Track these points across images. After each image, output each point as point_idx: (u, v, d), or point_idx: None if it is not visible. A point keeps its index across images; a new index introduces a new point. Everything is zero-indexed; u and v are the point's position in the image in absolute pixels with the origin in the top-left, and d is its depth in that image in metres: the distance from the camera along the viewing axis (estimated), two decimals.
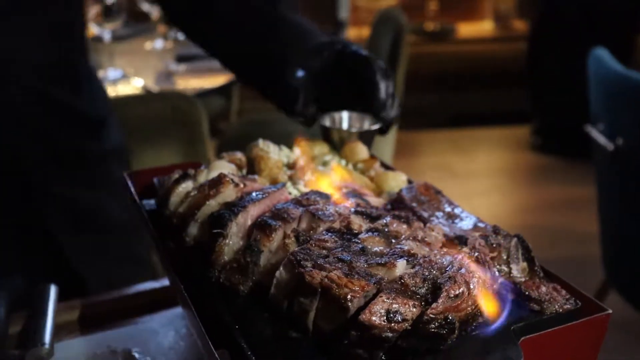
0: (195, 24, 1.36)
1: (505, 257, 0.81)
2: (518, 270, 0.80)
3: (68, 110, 1.41)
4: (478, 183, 5.13)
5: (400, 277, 0.67)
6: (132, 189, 1.06)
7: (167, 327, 1.16)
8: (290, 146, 1.14)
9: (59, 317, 1.16)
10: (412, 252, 0.73)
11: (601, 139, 2.48)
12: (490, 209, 4.44)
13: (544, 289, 0.77)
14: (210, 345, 0.70)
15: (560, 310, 0.76)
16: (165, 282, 1.27)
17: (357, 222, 0.80)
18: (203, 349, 0.75)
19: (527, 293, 0.77)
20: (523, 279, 0.80)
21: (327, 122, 1.20)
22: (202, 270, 0.83)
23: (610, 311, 0.77)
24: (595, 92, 2.58)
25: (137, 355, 1.08)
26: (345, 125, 1.22)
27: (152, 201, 1.08)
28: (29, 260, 1.36)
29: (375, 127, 1.19)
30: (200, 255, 0.85)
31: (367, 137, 1.18)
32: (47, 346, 1.04)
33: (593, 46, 2.60)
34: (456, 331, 0.66)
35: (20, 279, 1.32)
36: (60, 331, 1.14)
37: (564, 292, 0.78)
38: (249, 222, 0.83)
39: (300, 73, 1.16)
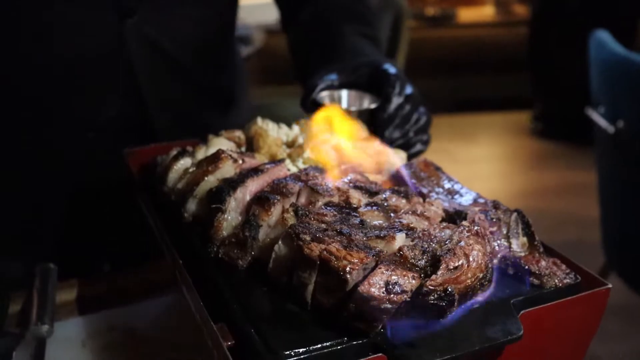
0: (291, 21, 1.57)
1: (505, 232, 0.80)
2: (518, 245, 0.80)
3: (203, 85, 1.45)
4: (478, 168, 5.12)
5: (399, 249, 0.67)
6: (130, 167, 1.06)
7: (167, 305, 1.16)
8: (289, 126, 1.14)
9: (59, 297, 1.16)
10: (411, 225, 0.73)
11: (602, 121, 2.47)
12: (490, 194, 4.39)
13: (543, 263, 0.77)
14: (209, 320, 0.70)
15: (560, 285, 0.76)
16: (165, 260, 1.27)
17: (357, 197, 0.79)
18: (201, 324, 0.75)
19: (526, 267, 0.76)
20: (523, 254, 0.80)
21: (326, 100, 1.19)
22: (200, 245, 0.83)
23: (610, 285, 0.76)
24: (596, 75, 2.57)
25: (137, 334, 1.08)
26: (344, 104, 1.21)
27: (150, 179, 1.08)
28: (29, 240, 1.36)
29: (373, 105, 1.18)
30: (198, 231, 0.85)
31: (365, 116, 1.17)
32: (47, 325, 1.04)
33: (595, 30, 2.59)
34: (455, 303, 0.65)
35: (20, 258, 1.32)
36: (60, 310, 1.14)
37: (563, 266, 0.78)
38: (248, 198, 0.83)
39: (332, 77, 1.22)
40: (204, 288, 0.78)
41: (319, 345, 0.65)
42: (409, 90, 1.20)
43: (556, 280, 0.76)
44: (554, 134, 5.58)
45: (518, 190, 4.76)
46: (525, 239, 0.81)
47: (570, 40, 5.01)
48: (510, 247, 0.80)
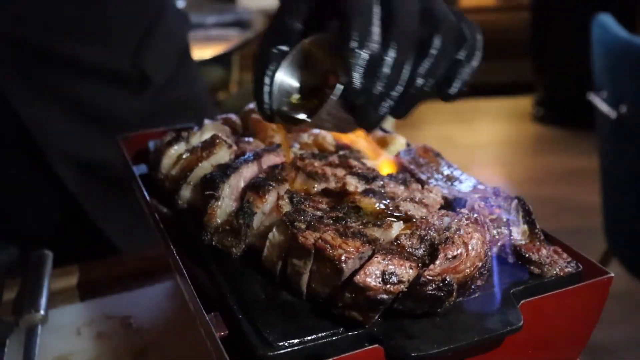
0: None
1: (505, 220, 0.78)
2: (518, 233, 0.78)
3: (79, 64, 1.29)
4: (480, 154, 5.09)
5: (397, 238, 0.65)
6: (126, 153, 1.04)
7: (164, 293, 1.14)
8: None
9: (54, 284, 1.15)
10: (409, 213, 0.71)
11: (604, 106, 2.44)
12: (490, 180, 4.38)
13: (544, 251, 0.75)
14: (201, 309, 0.68)
15: (561, 274, 0.74)
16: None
17: (353, 183, 0.77)
18: (194, 313, 0.73)
19: (527, 256, 0.75)
20: (523, 242, 0.78)
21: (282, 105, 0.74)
22: (194, 233, 0.81)
23: (612, 274, 0.75)
24: (598, 59, 2.54)
25: (133, 322, 1.07)
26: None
27: (144, 165, 1.06)
28: (24, 226, 1.34)
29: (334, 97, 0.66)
30: (192, 218, 0.83)
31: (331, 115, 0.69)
32: (41, 312, 1.03)
33: (597, 14, 2.55)
34: (454, 294, 0.64)
35: (15, 245, 1.30)
36: (55, 297, 1.12)
37: (565, 255, 0.76)
38: (242, 184, 0.81)
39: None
40: (198, 276, 0.76)
41: (314, 336, 0.64)
42: None
43: (557, 269, 0.74)
44: (555, 120, 5.55)
45: (518, 177, 4.74)
46: (525, 227, 0.79)
47: (573, 25, 4.96)
48: (510, 235, 0.78)
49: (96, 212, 1.34)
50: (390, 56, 0.66)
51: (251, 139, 0.96)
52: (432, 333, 0.64)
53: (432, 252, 0.64)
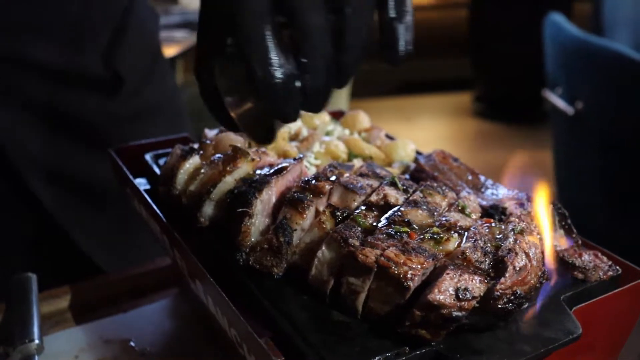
0: None
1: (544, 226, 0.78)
2: (556, 238, 0.78)
3: (46, 68, 1.20)
4: (424, 150, 5.16)
5: (462, 252, 0.63)
6: (124, 168, 0.98)
7: (162, 312, 1.09)
8: None
9: (42, 308, 1.07)
10: (459, 224, 0.69)
11: (560, 103, 2.50)
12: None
13: (586, 256, 0.75)
14: (253, 334, 0.64)
15: (604, 277, 0.74)
16: (154, 265, 1.19)
17: (393, 195, 0.75)
18: (239, 339, 0.69)
19: (571, 261, 0.74)
20: (561, 247, 0.77)
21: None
22: (223, 252, 0.76)
23: None
24: (552, 57, 2.60)
25: (133, 345, 1.01)
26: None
27: (144, 180, 1.01)
28: (5, 250, 1.25)
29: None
30: (216, 236, 0.79)
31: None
32: (36, 341, 0.95)
33: (532, 14, 2.60)
34: (522, 306, 0.62)
35: None
36: (45, 323, 1.05)
37: (605, 258, 0.76)
38: (274, 199, 0.77)
39: None
40: (231, 299, 0.72)
41: (380, 357, 0.61)
42: None
43: (600, 273, 0.74)
44: (494, 115, 5.69)
45: None
46: (562, 232, 0.79)
47: (509, 23, 5.10)
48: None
49: (71, 226, 1.26)
50: (306, 67, 0.62)
51: (265, 149, 0.91)
52: (498, 346, 0.63)
53: (497, 265, 0.63)
